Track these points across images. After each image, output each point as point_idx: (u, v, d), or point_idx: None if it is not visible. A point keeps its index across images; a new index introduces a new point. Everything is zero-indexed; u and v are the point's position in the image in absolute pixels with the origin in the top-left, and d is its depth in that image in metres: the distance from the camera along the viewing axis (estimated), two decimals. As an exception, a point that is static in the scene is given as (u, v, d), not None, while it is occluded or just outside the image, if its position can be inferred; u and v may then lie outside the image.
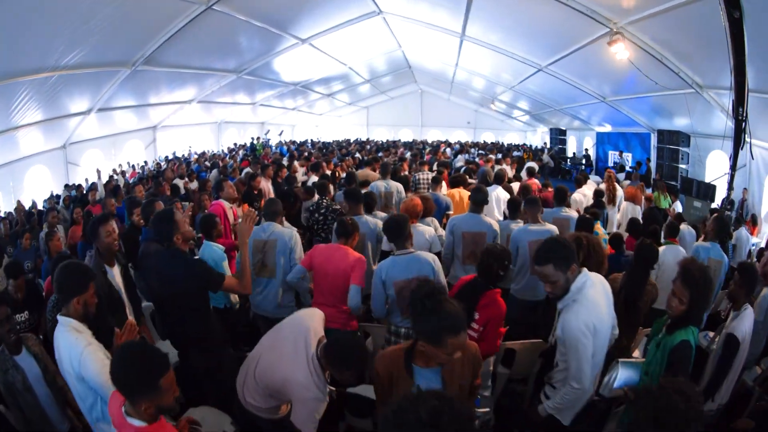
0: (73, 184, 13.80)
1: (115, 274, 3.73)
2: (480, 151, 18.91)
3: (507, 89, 18.63)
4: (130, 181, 14.30)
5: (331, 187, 7.96)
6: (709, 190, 10.87)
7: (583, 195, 8.50)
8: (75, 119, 12.91)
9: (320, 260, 3.99)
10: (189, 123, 20.42)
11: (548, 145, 24.65)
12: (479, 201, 5.11)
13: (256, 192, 8.29)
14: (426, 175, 8.34)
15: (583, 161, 20.65)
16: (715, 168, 11.76)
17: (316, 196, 6.89)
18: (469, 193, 7.17)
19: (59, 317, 2.62)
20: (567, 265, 2.61)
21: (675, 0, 6.99)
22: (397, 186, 7.21)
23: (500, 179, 8.03)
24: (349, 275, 3.83)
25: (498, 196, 7.39)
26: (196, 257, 4.31)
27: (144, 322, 4.08)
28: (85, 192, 11.96)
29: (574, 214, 6.17)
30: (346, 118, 32.57)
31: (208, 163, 15.82)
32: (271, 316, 4.28)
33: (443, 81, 23.87)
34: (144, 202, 4.99)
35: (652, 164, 14.95)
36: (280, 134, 24.56)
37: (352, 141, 27.57)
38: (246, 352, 3.32)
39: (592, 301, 2.65)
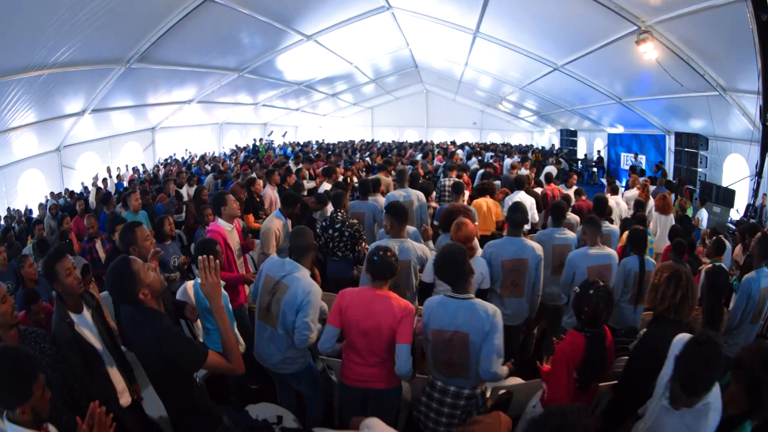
0: (63, 191, 13.22)
1: (87, 318, 2.88)
2: (490, 154, 18.03)
3: (516, 89, 17.99)
4: (125, 184, 13.72)
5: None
6: (728, 196, 10.51)
7: (616, 203, 7.83)
8: (69, 120, 12.32)
9: (354, 314, 3.01)
10: (189, 124, 19.78)
11: (557, 146, 23.80)
12: (518, 222, 4.31)
13: (258, 199, 7.65)
14: (451, 181, 7.70)
15: (595, 163, 19.94)
16: (732, 172, 11.40)
17: (330, 208, 6.07)
18: (496, 204, 6.67)
19: (5, 420, 1.96)
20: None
21: (706, 2, 6.72)
22: (417, 194, 6.47)
23: (521, 184, 7.41)
24: (394, 331, 2.94)
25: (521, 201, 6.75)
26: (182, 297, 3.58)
27: (134, 378, 3.15)
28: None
29: (616, 229, 5.57)
30: (350, 119, 31.99)
31: (208, 167, 15.21)
32: (272, 370, 3.54)
33: (450, 80, 23.25)
34: (123, 226, 3.99)
35: (669, 167, 14.30)
36: (284, 135, 23.95)
37: (357, 142, 27.00)
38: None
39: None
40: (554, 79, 13.87)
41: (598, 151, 20.30)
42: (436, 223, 6.12)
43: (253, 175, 9.58)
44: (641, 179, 9.65)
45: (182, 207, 8.31)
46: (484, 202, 6.49)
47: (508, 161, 14.67)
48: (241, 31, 11.55)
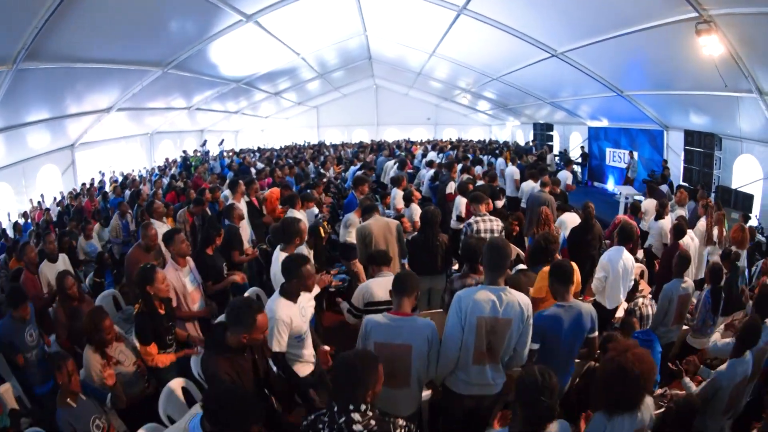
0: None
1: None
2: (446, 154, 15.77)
3: (492, 79, 15.93)
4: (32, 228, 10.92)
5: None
6: (747, 201, 9.78)
7: (691, 239, 6.41)
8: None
9: None
10: (114, 137, 16.54)
11: (533, 142, 21.62)
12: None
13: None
14: (491, 225, 5.71)
15: (579, 160, 18.08)
16: (742, 173, 10.60)
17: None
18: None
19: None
20: None
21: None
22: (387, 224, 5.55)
23: (630, 237, 5.42)
24: None
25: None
26: None
27: None
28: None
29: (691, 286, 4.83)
30: (294, 120, 29.38)
31: (128, 191, 12.33)
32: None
33: (406, 72, 21.29)
34: None
35: (675, 168, 12.87)
36: (221, 144, 21.03)
37: (305, 149, 24.51)
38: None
39: None
40: (545, 67, 12.10)
41: (582, 147, 18.47)
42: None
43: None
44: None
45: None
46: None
47: (500, 161, 12.80)
48: (161, 10, 8.90)
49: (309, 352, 3.63)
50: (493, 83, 16.65)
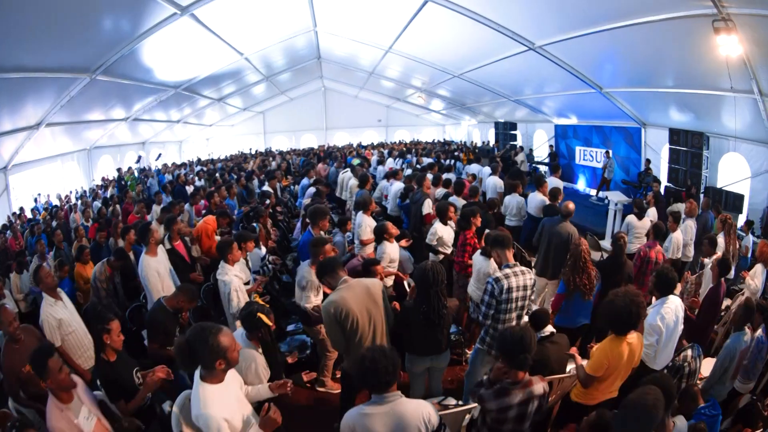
0: None
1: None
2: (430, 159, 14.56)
3: (452, 76, 15.10)
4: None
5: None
6: (737, 201, 9.52)
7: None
8: None
9: None
10: (49, 155, 14.45)
11: (492, 142, 20.99)
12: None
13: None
14: (524, 279, 4.16)
15: (547, 160, 17.38)
16: (728, 172, 10.37)
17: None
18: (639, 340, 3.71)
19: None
20: None
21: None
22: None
23: (671, 286, 4.51)
24: None
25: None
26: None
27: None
28: None
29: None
30: (239, 127, 27.80)
31: (55, 222, 10.72)
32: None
33: (358, 72, 20.25)
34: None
35: (657, 169, 12.44)
36: (158, 158, 19.34)
37: (249, 155, 23.26)
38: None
39: None
40: (518, 62, 11.33)
41: (551, 146, 17.76)
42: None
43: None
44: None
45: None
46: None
47: (486, 170, 11.66)
48: (82, 6, 7.47)
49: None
50: (452, 81, 15.86)
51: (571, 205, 6.20)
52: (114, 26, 8.75)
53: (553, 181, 9.37)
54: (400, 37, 12.55)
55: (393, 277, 5.89)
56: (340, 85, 25.53)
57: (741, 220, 9.34)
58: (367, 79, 20.97)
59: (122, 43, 9.38)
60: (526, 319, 4.14)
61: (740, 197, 9.45)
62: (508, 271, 4.01)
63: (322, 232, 5.99)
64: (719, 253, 5.82)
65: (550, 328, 4.08)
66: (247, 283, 5.48)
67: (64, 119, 12.26)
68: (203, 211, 9.29)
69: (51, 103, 10.74)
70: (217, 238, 7.19)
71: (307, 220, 6.30)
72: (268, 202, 9.16)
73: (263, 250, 6.80)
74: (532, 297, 4.12)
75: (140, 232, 5.72)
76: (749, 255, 7.21)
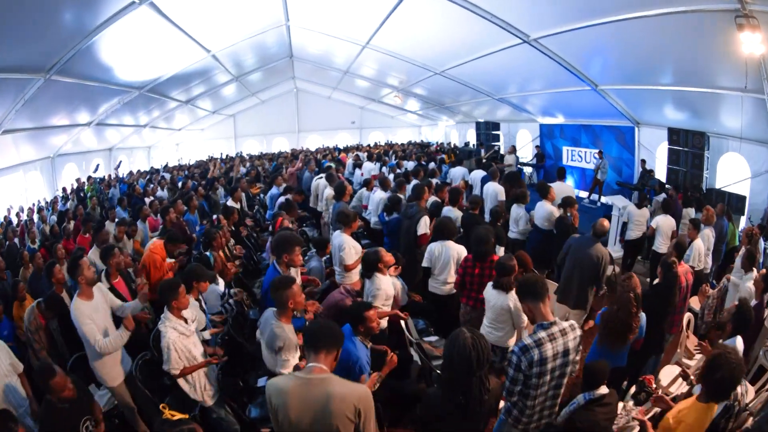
0: None
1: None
2: (413, 163, 13.72)
3: (433, 74, 14.47)
4: None
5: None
6: (739, 203, 9.35)
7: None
8: None
9: None
10: (9, 165, 13.24)
11: (473, 143, 20.56)
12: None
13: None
14: (567, 342, 3.04)
15: (534, 162, 16.93)
16: (726, 173, 10.21)
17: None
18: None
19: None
20: None
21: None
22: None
23: None
24: None
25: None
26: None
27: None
28: None
29: None
30: (209, 131, 26.80)
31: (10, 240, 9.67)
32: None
33: (331, 71, 19.52)
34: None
35: (658, 170, 12.09)
36: (117, 167, 18.23)
37: (219, 159, 22.34)
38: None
39: None
40: (508, 57, 10.69)
41: (537, 146, 17.16)
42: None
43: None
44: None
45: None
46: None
47: (476, 174, 11.01)
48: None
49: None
50: (432, 79, 15.23)
51: (607, 224, 5.58)
52: (66, 19, 7.88)
53: (561, 188, 8.20)
54: (379, 30, 11.83)
55: (387, 318, 4.73)
56: (313, 85, 24.77)
57: (742, 222, 9.16)
58: (341, 78, 20.28)
59: (77, 38, 8.51)
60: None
61: (742, 198, 9.22)
62: (542, 335, 2.95)
63: (291, 269, 4.64)
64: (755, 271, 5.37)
65: (604, 389, 3.30)
66: (204, 329, 4.56)
67: (27, 125, 11.28)
68: (160, 227, 8.04)
69: (7, 108, 9.78)
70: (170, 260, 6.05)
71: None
72: (220, 225, 7.63)
73: (221, 284, 5.70)
74: (577, 359, 3.12)
75: (69, 269, 4.46)
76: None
